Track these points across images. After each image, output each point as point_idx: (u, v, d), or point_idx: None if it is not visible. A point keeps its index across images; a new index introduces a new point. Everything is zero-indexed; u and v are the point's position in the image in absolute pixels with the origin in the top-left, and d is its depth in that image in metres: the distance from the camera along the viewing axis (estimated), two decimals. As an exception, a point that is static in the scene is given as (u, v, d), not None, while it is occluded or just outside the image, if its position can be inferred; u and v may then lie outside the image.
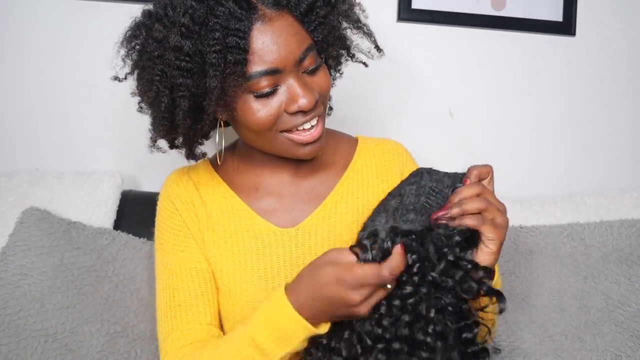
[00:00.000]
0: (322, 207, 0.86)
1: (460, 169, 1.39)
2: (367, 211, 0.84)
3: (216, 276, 0.84)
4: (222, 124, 0.84)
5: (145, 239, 1.08)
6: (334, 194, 0.87)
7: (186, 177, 0.90)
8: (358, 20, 0.83)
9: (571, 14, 1.38)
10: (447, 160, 1.39)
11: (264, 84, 0.71)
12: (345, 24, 0.83)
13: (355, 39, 0.88)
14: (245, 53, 0.69)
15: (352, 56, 0.89)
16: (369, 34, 0.85)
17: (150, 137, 0.84)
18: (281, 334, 0.68)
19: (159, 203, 0.91)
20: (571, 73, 1.42)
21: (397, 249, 0.63)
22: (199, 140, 0.86)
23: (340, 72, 0.93)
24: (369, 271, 0.62)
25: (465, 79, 1.39)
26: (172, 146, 0.87)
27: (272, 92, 0.72)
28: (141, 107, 0.83)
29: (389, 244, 0.64)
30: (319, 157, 0.88)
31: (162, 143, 0.86)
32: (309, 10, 0.75)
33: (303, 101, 0.72)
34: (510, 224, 1.17)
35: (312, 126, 0.76)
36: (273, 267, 0.82)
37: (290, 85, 0.73)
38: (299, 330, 0.67)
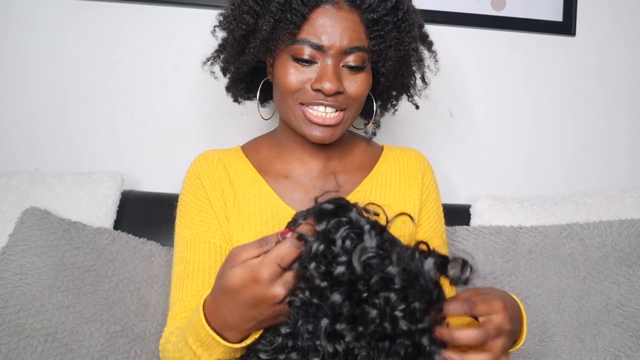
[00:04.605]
0: None
1: (460, 168, 1.40)
2: (387, 211, 0.87)
3: None
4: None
5: (145, 238, 1.08)
6: (359, 190, 0.92)
7: (216, 159, 0.93)
8: (416, 50, 0.89)
9: (571, 14, 1.38)
10: (447, 160, 1.40)
11: (305, 52, 0.80)
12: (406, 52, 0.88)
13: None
14: (302, 20, 0.78)
15: (410, 94, 0.97)
16: (420, 65, 0.91)
17: (212, 53, 0.95)
18: (203, 343, 0.68)
19: (185, 179, 0.94)
20: (571, 73, 1.42)
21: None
22: (242, 87, 0.96)
23: (396, 108, 1.01)
24: (283, 247, 0.57)
25: (465, 79, 1.39)
26: (224, 75, 0.98)
27: (308, 63, 0.81)
28: (214, 30, 0.93)
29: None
30: (347, 156, 0.94)
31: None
32: (375, 20, 0.82)
33: (327, 84, 0.79)
34: (510, 223, 1.18)
35: (327, 113, 0.82)
36: None
37: (324, 66, 0.80)
38: (215, 346, 0.66)
